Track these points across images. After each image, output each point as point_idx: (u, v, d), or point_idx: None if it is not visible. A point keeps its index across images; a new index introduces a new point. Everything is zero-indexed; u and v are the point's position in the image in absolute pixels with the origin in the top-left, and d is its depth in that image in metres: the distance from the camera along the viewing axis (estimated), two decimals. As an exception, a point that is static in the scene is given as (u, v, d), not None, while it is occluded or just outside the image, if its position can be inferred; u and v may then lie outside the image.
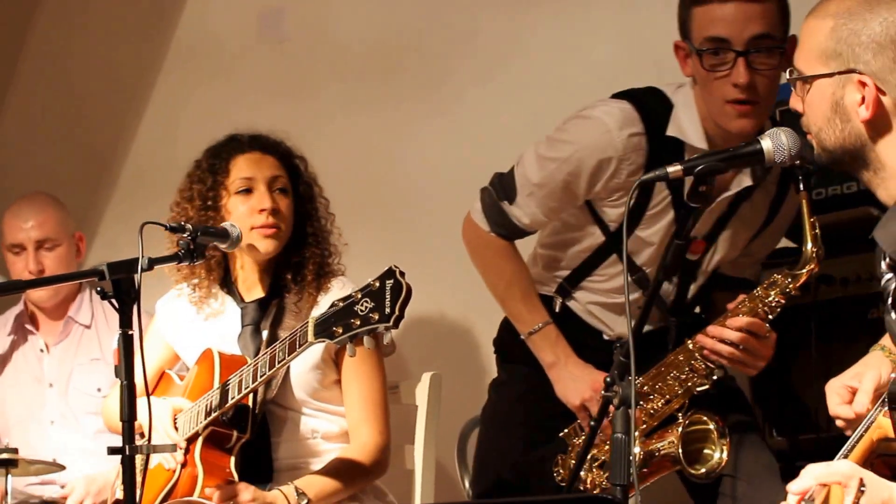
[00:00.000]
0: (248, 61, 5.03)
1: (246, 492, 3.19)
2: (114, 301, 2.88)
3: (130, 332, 2.88)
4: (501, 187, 3.44)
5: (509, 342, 3.59)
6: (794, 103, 2.48)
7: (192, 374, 3.51)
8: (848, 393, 2.63)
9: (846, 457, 2.32)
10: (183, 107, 5.13)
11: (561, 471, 3.34)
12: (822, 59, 2.38)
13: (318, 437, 3.48)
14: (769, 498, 3.03)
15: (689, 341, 3.22)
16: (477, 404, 3.70)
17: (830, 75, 2.37)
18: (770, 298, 3.11)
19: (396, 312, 2.86)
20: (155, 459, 3.40)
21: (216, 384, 3.34)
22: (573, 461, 3.28)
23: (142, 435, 3.32)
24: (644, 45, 4.30)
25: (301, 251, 3.53)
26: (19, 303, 4.44)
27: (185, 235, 3.04)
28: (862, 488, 2.13)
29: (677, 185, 3.22)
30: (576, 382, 3.37)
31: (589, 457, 3.27)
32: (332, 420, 3.49)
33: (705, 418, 3.17)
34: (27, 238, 4.25)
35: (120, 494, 3.08)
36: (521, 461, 3.45)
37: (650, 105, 3.32)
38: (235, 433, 3.34)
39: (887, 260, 2.40)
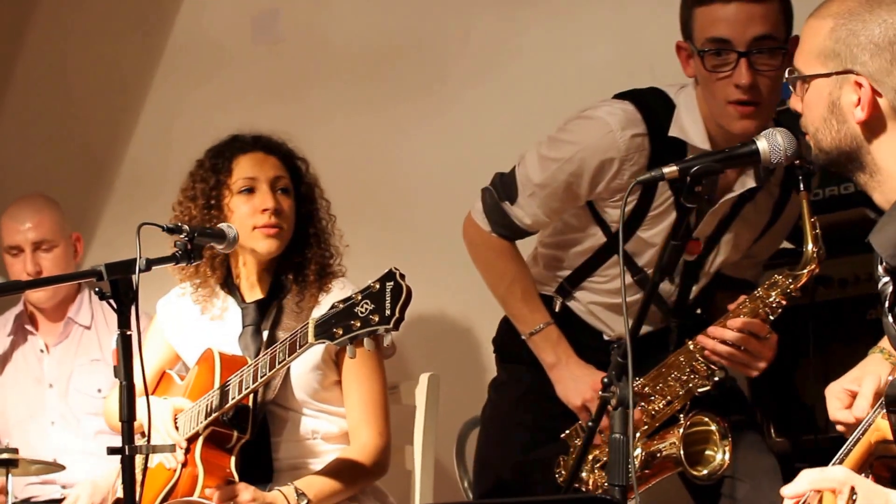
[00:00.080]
0: (243, 62, 5.04)
1: (246, 492, 3.20)
2: (112, 301, 2.89)
3: (129, 333, 2.89)
4: (503, 187, 3.43)
5: (509, 342, 3.59)
6: (794, 103, 2.47)
7: (193, 374, 3.52)
8: (848, 397, 2.62)
9: (844, 459, 2.31)
10: (179, 108, 5.14)
11: (563, 472, 3.33)
12: (820, 59, 2.37)
13: (318, 438, 3.48)
14: (771, 500, 3.02)
15: (690, 342, 3.22)
16: (477, 404, 3.71)
17: (828, 75, 2.36)
18: (771, 299, 3.11)
19: (396, 314, 2.87)
20: (156, 459, 3.41)
21: (216, 384, 3.35)
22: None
23: (143, 434, 3.33)
24: (639, 46, 4.30)
25: (303, 252, 3.55)
26: (19, 303, 4.45)
27: (182, 236, 3.05)
28: (854, 496, 2.12)
29: (680, 187, 3.22)
30: (577, 383, 3.37)
31: (591, 458, 3.27)
32: (332, 421, 3.50)
33: (707, 419, 3.17)
34: (24, 240, 4.25)
35: (121, 493, 3.08)
36: (521, 461, 3.45)
37: (653, 106, 3.31)
38: (236, 433, 3.34)
39: (884, 264, 2.39)
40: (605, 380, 2.76)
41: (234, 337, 3.51)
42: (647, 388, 3.25)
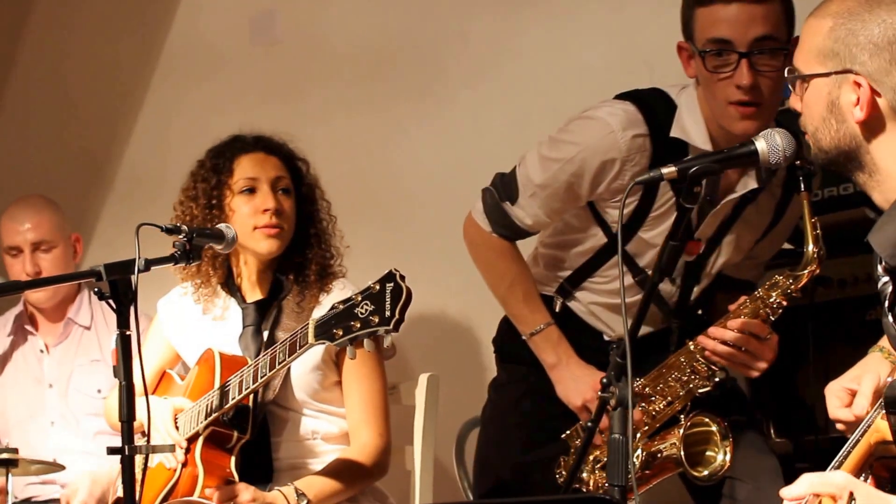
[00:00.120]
0: (241, 63, 5.04)
1: (246, 492, 3.20)
2: (111, 302, 2.89)
3: (128, 333, 2.89)
4: (503, 188, 3.43)
5: (509, 342, 3.59)
6: (793, 102, 2.47)
7: (193, 374, 3.53)
8: (847, 395, 2.62)
9: (844, 460, 2.30)
10: (176, 109, 5.14)
11: (563, 472, 3.33)
12: (819, 58, 2.37)
13: (318, 438, 3.48)
14: (772, 500, 3.02)
15: (691, 343, 3.21)
16: (477, 404, 3.70)
17: (827, 75, 2.35)
18: (771, 300, 3.10)
19: (396, 316, 2.87)
20: (156, 459, 3.42)
21: (217, 384, 3.35)
22: (575, 463, 3.28)
23: (143, 434, 3.34)
24: (635, 46, 4.30)
25: (304, 252, 3.55)
26: (19, 304, 4.45)
27: (180, 237, 3.05)
28: (853, 502, 2.12)
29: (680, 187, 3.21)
30: (577, 383, 3.37)
31: (591, 458, 3.27)
32: (332, 421, 3.50)
33: (707, 420, 3.17)
34: (24, 240, 4.26)
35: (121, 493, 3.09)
36: (521, 462, 3.45)
37: (654, 106, 3.30)
38: (236, 433, 3.35)
39: (883, 264, 2.39)
40: (605, 380, 2.76)
41: (234, 337, 3.51)
42: (647, 389, 3.24)
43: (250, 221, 3.47)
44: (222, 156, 3.57)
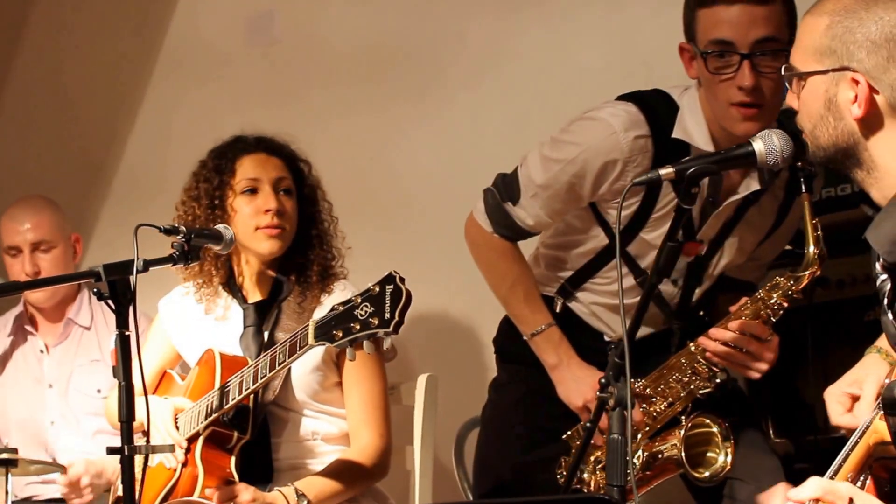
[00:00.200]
0: (239, 64, 5.05)
1: (246, 492, 3.20)
2: (110, 302, 2.90)
3: (127, 333, 2.90)
4: (505, 188, 3.42)
5: (509, 342, 3.59)
6: (790, 101, 2.46)
7: (194, 374, 3.53)
8: (848, 400, 2.61)
9: (844, 461, 2.29)
10: (175, 110, 5.15)
11: (564, 473, 3.32)
12: (816, 56, 2.36)
13: (318, 439, 3.49)
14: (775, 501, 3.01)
15: (692, 344, 3.21)
16: (477, 404, 3.70)
17: (824, 72, 2.35)
18: (772, 301, 3.10)
19: (396, 318, 2.86)
20: (156, 458, 3.42)
21: (217, 385, 3.35)
22: (576, 463, 3.27)
23: (144, 434, 3.34)
24: (633, 47, 4.30)
25: (305, 253, 3.55)
26: (19, 304, 4.46)
27: (178, 237, 3.06)
28: None
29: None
30: (578, 384, 3.36)
31: (592, 459, 3.26)
32: (333, 422, 3.50)
33: (708, 421, 3.16)
34: (23, 240, 4.27)
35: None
36: (521, 462, 3.45)
37: (656, 107, 3.29)
38: (236, 434, 3.35)
39: (881, 261, 2.38)
40: (603, 380, 2.76)
41: (235, 337, 3.52)
42: (648, 390, 3.24)
43: (252, 222, 3.47)
44: (224, 156, 3.58)
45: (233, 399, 3.26)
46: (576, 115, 3.39)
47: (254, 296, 3.56)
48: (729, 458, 3.13)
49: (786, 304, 3.09)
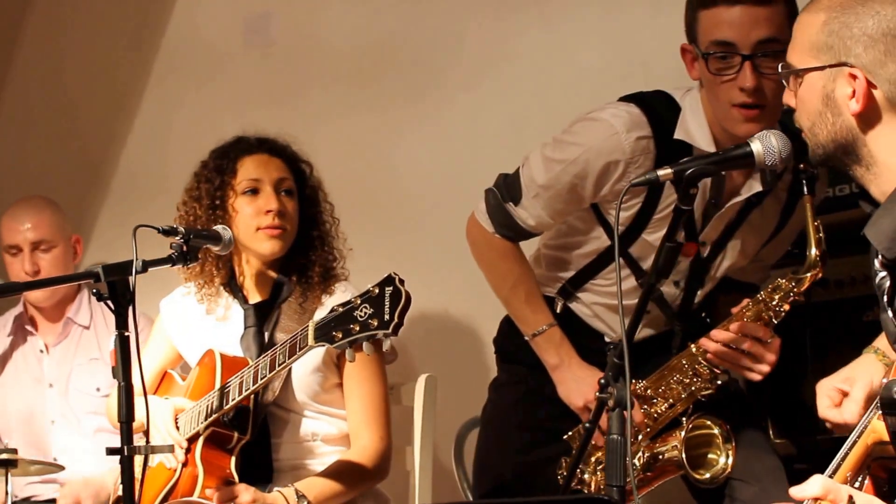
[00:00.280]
0: (237, 65, 5.05)
1: (246, 493, 3.20)
2: (109, 303, 2.90)
3: (127, 334, 2.90)
4: (506, 188, 3.42)
5: (510, 342, 3.59)
6: (787, 98, 2.46)
7: (194, 374, 3.54)
8: (838, 395, 2.62)
9: (842, 461, 2.29)
10: (173, 111, 5.15)
11: (565, 473, 3.32)
12: (813, 52, 2.36)
13: (318, 440, 3.49)
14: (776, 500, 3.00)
15: (693, 345, 3.21)
16: (477, 405, 3.70)
17: (822, 68, 2.35)
18: (774, 302, 3.10)
19: (395, 320, 2.86)
20: (156, 459, 3.42)
21: (217, 385, 3.35)
22: (577, 463, 3.27)
23: (144, 434, 3.34)
24: (631, 48, 4.30)
25: (307, 254, 3.56)
26: (18, 304, 4.47)
27: (177, 238, 3.06)
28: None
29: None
30: (579, 384, 3.36)
31: (593, 459, 3.26)
32: (333, 423, 3.50)
33: (709, 423, 3.16)
34: (23, 240, 4.29)
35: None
36: (521, 462, 3.44)
37: (658, 108, 3.29)
38: (236, 434, 3.35)
39: (880, 257, 2.37)
40: (602, 381, 2.75)
41: (236, 338, 3.52)
42: (649, 391, 3.24)
43: (253, 222, 3.48)
44: (226, 156, 3.58)
45: (233, 399, 3.26)
46: (578, 116, 3.38)
47: (255, 296, 3.56)
48: (730, 460, 3.13)
49: (787, 307, 3.09)
